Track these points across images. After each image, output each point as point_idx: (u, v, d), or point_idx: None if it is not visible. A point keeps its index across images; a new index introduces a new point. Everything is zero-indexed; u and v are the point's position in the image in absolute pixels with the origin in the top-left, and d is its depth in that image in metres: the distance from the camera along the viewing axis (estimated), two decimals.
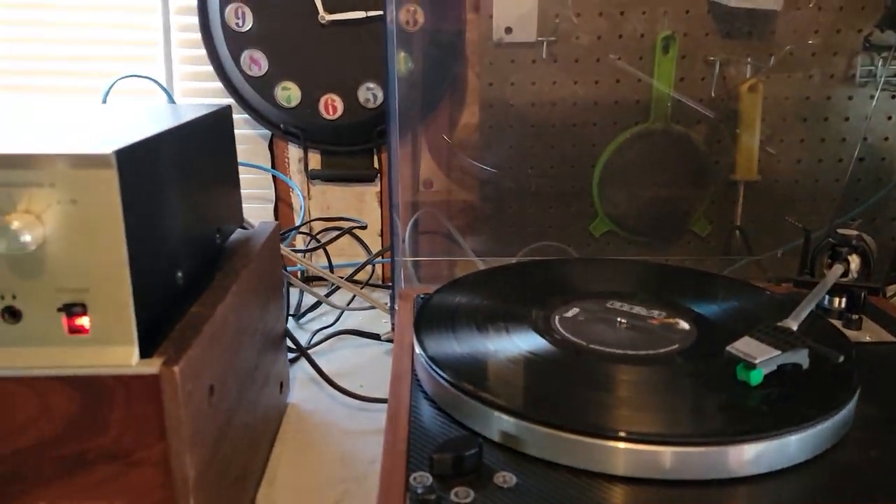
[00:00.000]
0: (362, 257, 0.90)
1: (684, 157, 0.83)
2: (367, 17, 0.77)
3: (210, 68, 0.84)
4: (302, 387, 0.65)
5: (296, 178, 0.89)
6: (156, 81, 0.82)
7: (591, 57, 0.81)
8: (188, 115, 0.46)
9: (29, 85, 0.86)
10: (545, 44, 0.80)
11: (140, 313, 0.33)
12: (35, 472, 0.34)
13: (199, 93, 0.88)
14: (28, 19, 0.84)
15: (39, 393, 0.33)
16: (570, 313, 0.51)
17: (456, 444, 0.37)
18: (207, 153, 0.49)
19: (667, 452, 0.36)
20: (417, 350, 0.47)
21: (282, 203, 0.91)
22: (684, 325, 0.49)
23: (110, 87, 0.77)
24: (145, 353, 0.34)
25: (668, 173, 0.83)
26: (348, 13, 0.77)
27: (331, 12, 0.77)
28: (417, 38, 0.78)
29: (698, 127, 0.82)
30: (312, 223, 0.89)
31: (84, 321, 0.33)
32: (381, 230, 0.91)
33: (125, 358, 0.33)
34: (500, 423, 0.38)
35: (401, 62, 0.80)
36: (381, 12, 0.77)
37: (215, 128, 0.51)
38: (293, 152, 0.88)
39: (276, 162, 0.89)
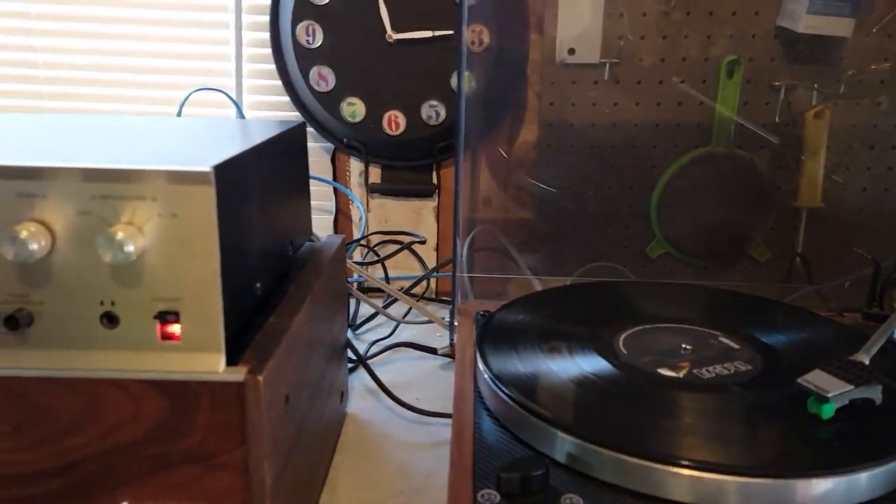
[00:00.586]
0: (417, 270, 0.91)
1: (745, 182, 0.82)
2: (434, 37, 0.79)
3: (277, 82, 0.87)
4: (359, 397, 0.66)
5: (356, 191, 0.91)
6: (227, 94, 0.85)
7: (653, 79, 0.81)
8: (269, 132, 0.48)
9: (108, 95, 0.90)
10: (608, 65, 0.80)
11: (227, 323, 0.35)
12: (122, 471, 0.36)
13: (265, 105, 0.91)
14: (109, 33, 0.88)
15: (132, 395, 0.35)
16: (632, 336, 0.51)
17: (523, 464, 0.37)
18: (284, 168, 0.50)
19: (733, 483, 0.36)
20: (481, 367, 0.48)
21: (341, 215, 0.93)
22: (749, 353, 0.49)
23: (185, 100, 0.80)
24: (230, 361, 0.35)
25: (729, 198, 0.83)
26: (415, 32, 0.79)
27: (398, 31, 0.79)
28: (482, 58, 0.80)
29: (761, 152, 0.81)
30: (369, 236, 0.91)
31: (176, 328, 0.35)
32: (437, 245, 0.92)
33: (213, 365, 0.35)
34: (567, 446, 0.39)
35: (465, 81, 0.81)
36: (447, 32, 0.79)
37: (292, 143, 0.53)
38: (354, 165, 0.90)
39: (338, 175, 0.91)
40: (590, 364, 0.47)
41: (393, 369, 0.72)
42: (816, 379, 0.40)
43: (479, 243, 0.85)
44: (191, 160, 0.34)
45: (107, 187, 0.33)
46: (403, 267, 0.92)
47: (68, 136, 0.44)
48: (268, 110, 0.91)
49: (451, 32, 0.79)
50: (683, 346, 0.50)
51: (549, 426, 0.40)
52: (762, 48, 0.79)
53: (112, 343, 0.35)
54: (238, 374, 0.35)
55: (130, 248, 0.32)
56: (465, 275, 0.75)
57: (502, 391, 0.44)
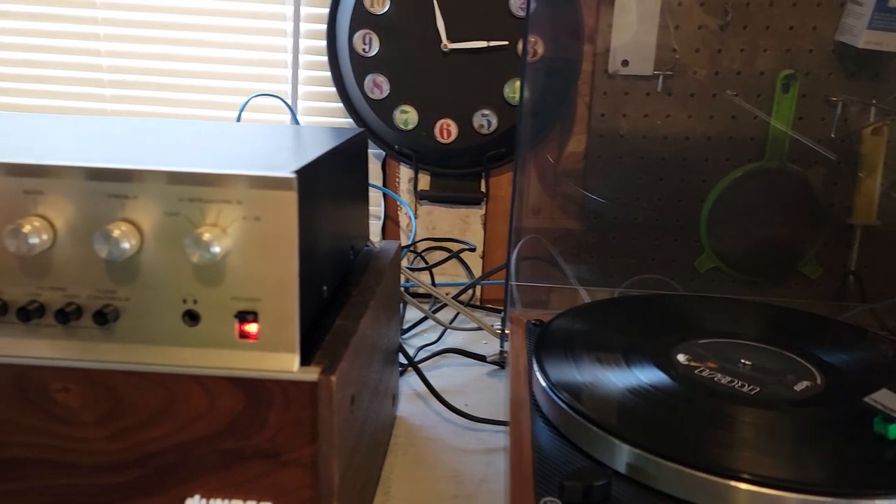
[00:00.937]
0: (462, 277, 0.92)
1: (798, 198, 0.82)
2: (488, 47, 0.80)
3: (331, 89, 0.89)
4: (407, 400, 0.67)
5: (404, 197, 0.92)
6: (283, 100, 0.87)
7: (707, 92, 0.80)
8: (336, 139, 0.49)
9: (168, 98, 0.93)
10: (661, 77, 0.80)
11: (301, 323, 0.36)
12: (196, 463, 0.37)
13: (318, 111, 0.93)
14: (171, 38, 0.91)
15: (209, 391, 0.36)
16: (691, 350, 0.51)
17: (585, 474, 0.38)
18: (348, 174, 0.52)
19: (795, 500, 0.36)
20: (538, 376, 0.48)
21: (389, 220, 0.94)
22: (810, 370, 0.49)
23: (245, 104, 0.82)
24: (303, 360, 0.36)
25: (781, 213, 0.82)
26: (470, 42, 0.80)
27: (453, 41, 0.80)
28: (535, 68, 0.80)
29: (815, 168, 0.81)
30: (417, 242, 0.92)
31: (253, 328, 0.36)
32: (483, 253, 0.93)
33: (287, 364, 0.36)
34: (630, 457, 0.39)
35: (517, 90, 0.82)
36: (501, 42, 0.80)
37: (355, 151, 0.54)
38: (404, 172, 0.91)
39: (388, 180, 0.92)
40: (648, 376, 0.47)
41: (440, 374, 0.73)
42: (884, 398, 0.39)
43: (526, 252, 0.85)
44: (272, 166, 0.36)
45: (194, 190, 0.34)
46: (450, 274, 0.93)
47: (149, 140, 0.45)
48: (321, 116, 0.93)
49: (506, 43, 0.80)
50: (743, 360, 0.50)
51: (612, 437, 0.40)
52: (819, 63, 0.78)
53: (192, 340, 0.36)
54: (311, 373, 0.36)
55: (216, 248, 0.34)
56: (515, 283, 0.75)
57: (562, 400, 0.44)
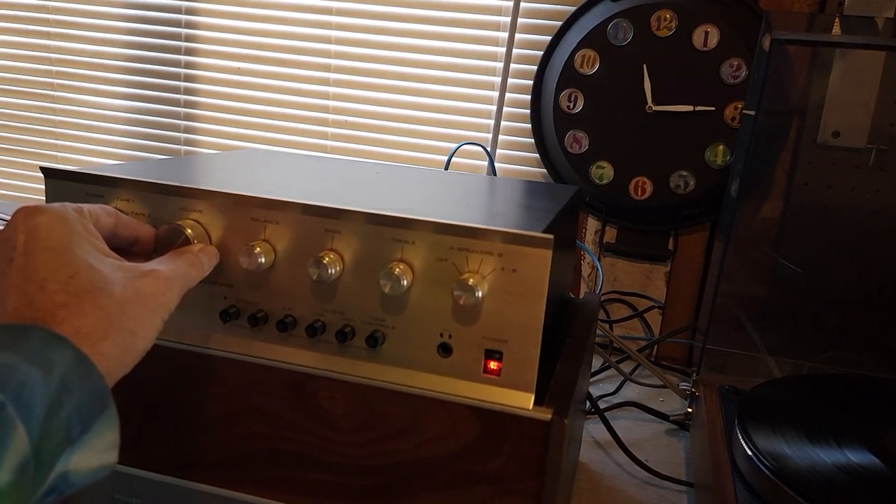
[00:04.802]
0: (639, 331, 0.93)
1: None
2: (694, 111, 0.81)
3: (528, 140, 0.94)
4: (587, 447, 0.69)
5: (590, 248, 0.95)
6: (485, 149, 0.93)
7: None
8: (562, 196, 0.54)
9: (383, 140, 1.03)
10: (874, 151, 0.78)
11: (539, 368, 0.40)
12: (427, 479, 0.42)
13: (512, 160, 0.99)
14: (391, 87, 1.01)
15: (452, 415, 0.41)
16: None
17: None
18: (568, 228, 0.56)
19: None
20: (742, 442, 0.49)
21: (573, 271, 0.97)
22: None
23: (454, 152, 0.90)
24: (536, 401, 0.40)
25: None
26: (676, 106, 0.82)
27: (659, 103, 0.83)
28: (739, 134, 0.81)
29: None
30: (602, 294, 0.94)
31: (498, 366, 0.40)
32: (664, 310, 0.93)
33: (524, 402, 0.40)
34: None
35: (719, 154, 0.83)
36: (708, 108, 0.81)
37: (573, 207, 0.58)
38: (591, 224, 0.95)
39: (576, 231, 0.96)
40: (858, 456, 0.47)
41: (619, 426, 0.74)
42: None
43: (717, 315, 0.85)
44: (528, 223, 0.40)
45: (464, 241, 0.39)
46: (626, 327, 0.94)
47: (407, 188, 0.52)
48: (515, 164, 0.99)
49: (713, 109, 0.82)
50: None
51: None
52: None
53: (443, 369, 0.41)
54: (545, 413, 0.40)
55: (479, 293, 0.39)
56: (709, 346, 0.75)
57: (767, 468, 0.45)
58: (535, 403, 0.40)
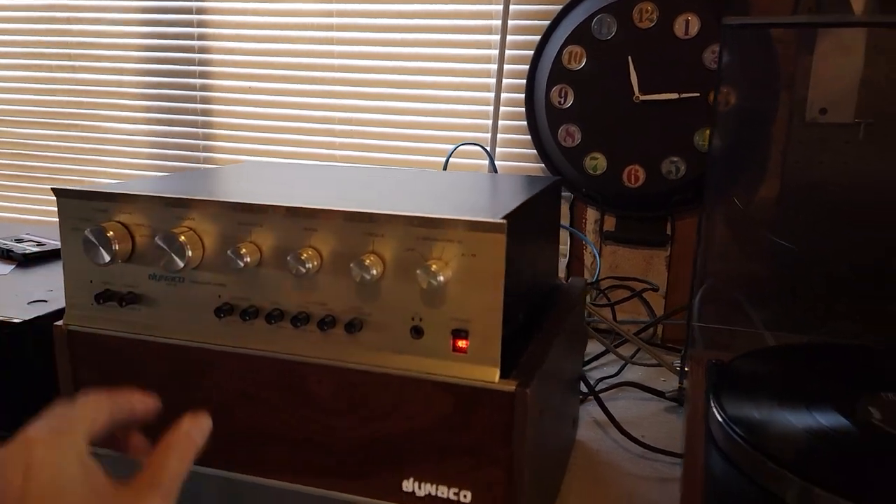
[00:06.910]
0: (643, 315, 0.95)
1: None
2: (680, 98, 0.84)
3: (525, 137, 0.98)
4: (586, 427, 0.72)
5: (590, 237, 0.97)
6: (484, 148, 0.97)
7: None
8: (534, 187, 0.57)
9: (385, 146, 1.07)
10: (863, 125, 0.79)
11: (502, 343, 0.43)
12: (411, 453, 0.46)
13: (514, 157, 1.02)
14: (391, 94, 1.05)
15: (426, 393, 0.45)
16: (879, 401, 0.52)
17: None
18: (544, 218, 0.59)
19: None
20: (715, 410, 0.51)
21: (574, 259, 1.00)
22: None
23: (452, 152, 0.93)
24: (502, 374, 0.44)
25: None
26: (662, 94, 0.84)
27: (645, 93, 0.85)
28: (728, 116, 0.83)
29: None
30: (601, 280, 0.97)
31: (465, 344, 0.44)
32: (666, 293, 0.96)
33: (490, 376, 0.43)
34: (804, 492, 0.42)
35: (707, 139, 0.85)
36: (693, 94, 0.84)
37: (550, 197, 0.61)
38: (590, 214, 0.97)
39: (575, 221, 0.99)
40: (829, 420, 0.49)
41: (618, 406, 0.77)
42: None
43: (711, 294, 0.87)
44: (486, 212, 0.44)
45: (427, 231, 0.43)
46: (630, 311, 0.97)
47: (385, 186, 0.56)
48: (516, 161, 1.02)
49: (697, 94, 0.84)
50: None
51: (788, 472, 0.43)
52: None
53: (416, 351, 0.45)
54: (510, 385, 0.43)
55: (441, 278, 0.42)
56: (698, 324, 0.77)
57: (736, 433, 0.47)
58: (501, 377, 0.44)
